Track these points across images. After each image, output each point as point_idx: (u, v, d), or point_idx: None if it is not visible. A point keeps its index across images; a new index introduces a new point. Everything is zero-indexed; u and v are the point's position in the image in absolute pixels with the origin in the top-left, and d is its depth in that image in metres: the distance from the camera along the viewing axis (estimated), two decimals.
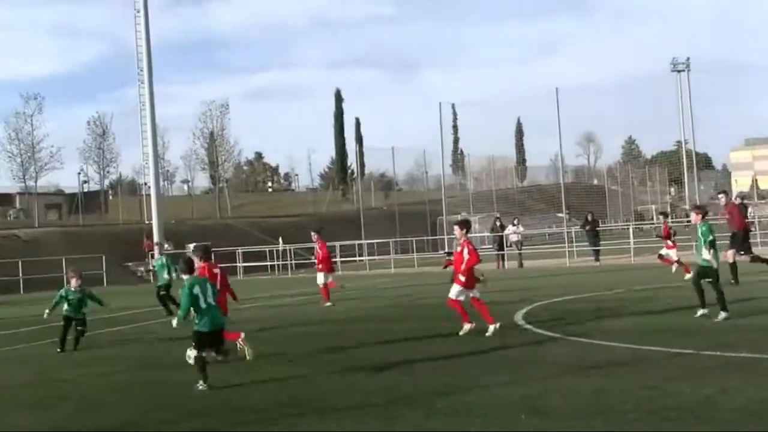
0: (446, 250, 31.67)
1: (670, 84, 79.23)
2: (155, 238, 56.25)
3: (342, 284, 25.69)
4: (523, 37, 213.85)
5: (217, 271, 15.94)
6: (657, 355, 12.35)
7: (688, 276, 26.97)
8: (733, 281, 21.28)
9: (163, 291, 24.28)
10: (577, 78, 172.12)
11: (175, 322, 12.52)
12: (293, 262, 50.54)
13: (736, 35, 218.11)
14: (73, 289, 17.33)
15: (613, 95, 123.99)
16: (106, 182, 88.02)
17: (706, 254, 15.67)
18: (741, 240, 23.70)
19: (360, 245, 54.02)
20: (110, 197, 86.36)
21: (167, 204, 67.64)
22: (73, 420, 10.23)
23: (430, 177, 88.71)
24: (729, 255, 22.62)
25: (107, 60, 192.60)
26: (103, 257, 51.18)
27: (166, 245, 56.51)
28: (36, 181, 76.66)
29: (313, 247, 27.29)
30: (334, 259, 48.98)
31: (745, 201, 26.73)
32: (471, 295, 16.11)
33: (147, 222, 59.62)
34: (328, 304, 24.35)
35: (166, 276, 24.52)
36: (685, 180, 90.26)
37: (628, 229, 45.67)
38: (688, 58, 79.04)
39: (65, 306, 17.13)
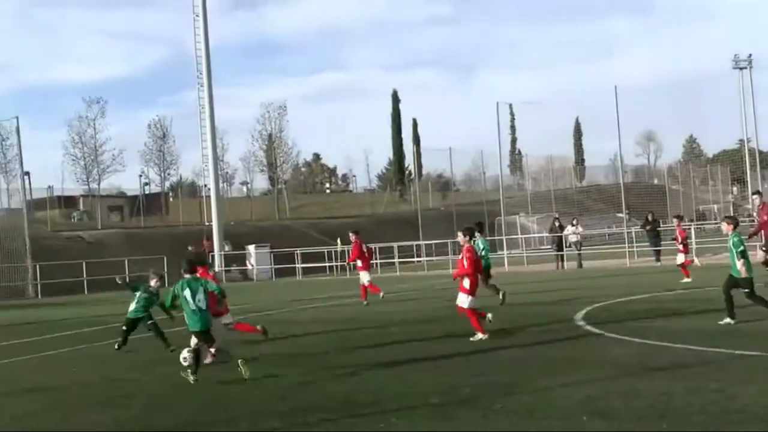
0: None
1: (732, 82, 78.00)
2: (215, 240, 56.91)
3: (383, 295, 25.93)
4: (581, 36, 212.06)
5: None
6: (721, 356, 12.15)
7: (686, 280, 26.96)
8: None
9: None
10: (637, 76, 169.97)
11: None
12: (351, 263, 50.61)
13: None
14: (151, 287, 17.24)
15: (673, 93, 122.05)
16: (167, 184, 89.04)
17: (738, 265, 15.40)
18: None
19: (418, 246, 53.97)
20: (171, 199, 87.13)
21: (227, 205, 68.20)
22: (137, 419, 10.31)
23: (488, 177, 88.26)
24: (759, 255, 22.44)
25: (167, 64, 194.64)
26: (164, 258, 51.72)
27: (226, 247, 57.37)
28: (99, 184, 77.77)
29: (369, 248, 27.69)
30: (392, 260, 49.48)
31: None
32: (459, 303, 15.97)
33: (207, 223, 60.23)
34: (365, 302, 25.44)
35: None
36: (748, 179, 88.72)
37: (689, 229, 45.07)
38: (750, 55, 77.69)
39: (134, 305, 17.04)
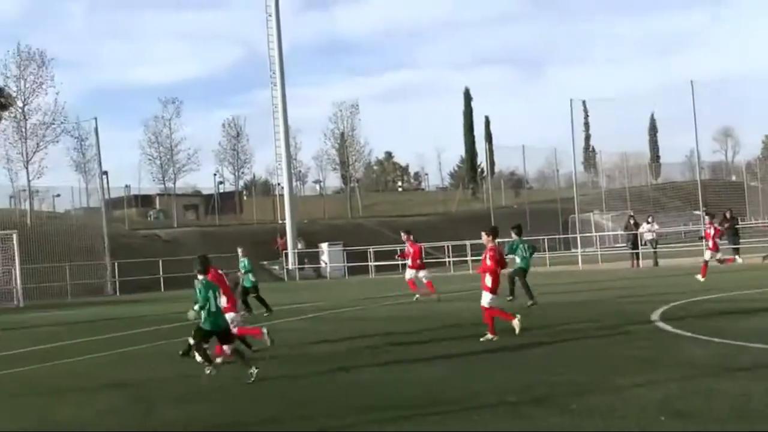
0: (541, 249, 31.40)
1: None
2: (288, 238, 57.38)
3: (439, 297, 26.11)
4: (656, 30, 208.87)
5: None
6: None
7: (700, 278, 26.95)
8: None
9: (253, 293, 24.82)
10: (713, 71, 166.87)
11: (191, 314, 13.00)
12: (424, 261, 50.57)
13: None
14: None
15: (751, 88, 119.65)
16: (241, 183, 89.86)
17: None
18: None
19: None
20: (245, 197, 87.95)
21: (300, 204, 68.65)
22: (214, 415, 10.45)
23: (561, 175, 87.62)
24: None
25: (240, 64, 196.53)
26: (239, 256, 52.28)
27: (299, 244, 57.80)
28: (174, 183, 78.83)
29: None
30: (464, 258, 49.34)
31: None
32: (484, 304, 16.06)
33: (280, 221, 60.70)
34: (417, 296, 26.58)
35: (252, 278, 25.19)
36: None
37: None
38: None
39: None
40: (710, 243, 28.15)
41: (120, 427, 10.00)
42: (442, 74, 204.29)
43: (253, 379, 12.24)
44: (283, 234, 58.32)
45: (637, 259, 40.85)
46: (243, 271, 25.76)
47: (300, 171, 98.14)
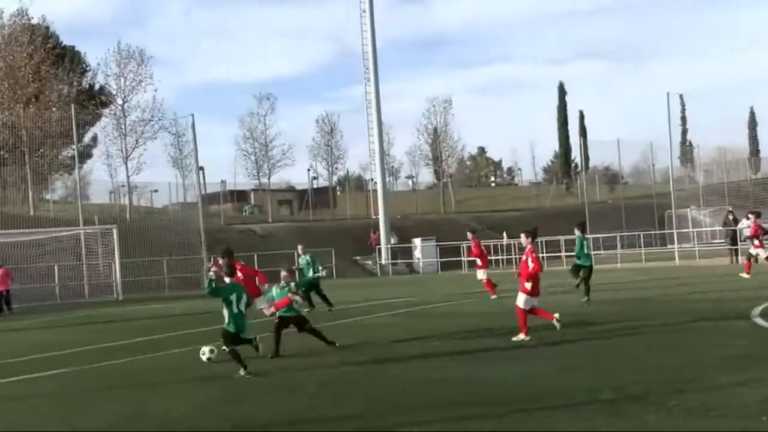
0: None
1: None
2: (382, 233, 57.58)
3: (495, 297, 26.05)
4: (755, 22, 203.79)
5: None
6: None
7: (745, 275, 27.31)
8: None
9: (312, 289, 24.95)
10: None
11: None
12: (517, 256, 50.21)
13: None
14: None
15: None
16: (334, 178, 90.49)
17: None
18: None
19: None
20: (338, 193, 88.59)
21: (393, 199, 68.78)
22: (307, 409, 10.50)
23: (657, 170, 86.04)
24: None
25: (334, 60, 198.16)
26: (333, 251, 52.70)
27: (392, 239, 57.95)
28: (269, 178, 79.88)
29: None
30: (558, 254, 48.86)
31: None
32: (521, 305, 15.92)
33: (374, 217, 60.98)
34: (494, 297, 25.98)
35: (310, 274, 25.33)
36: None
37: None
38: None
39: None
40: (756, 241, 28.70)
41: (212, 419, 10.12)
42: (536, 68, 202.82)
43: (249, 375, 12.84)
44: (376, 229, 58.53)
45: (736, 255, 39.91)
46: (304, 268, 26.02)
47: (393, 166, 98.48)
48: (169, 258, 47.10)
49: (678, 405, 9.22)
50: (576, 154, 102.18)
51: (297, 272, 23.22)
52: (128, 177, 60.31)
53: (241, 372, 12.98)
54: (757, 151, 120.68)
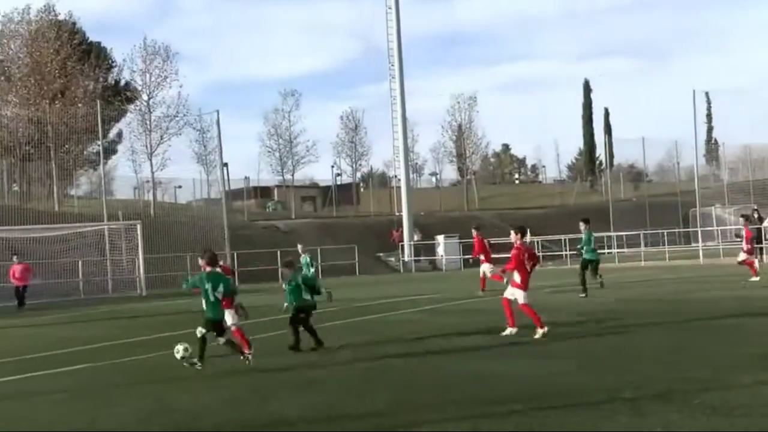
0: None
1: None
2: (405, 229, 57.55)
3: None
4: None
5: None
6: None
7: (755, 279, 27.11)
8: None
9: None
10: None
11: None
12: (541, 254, 50.06)
13: None
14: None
15: None
16: (358, 175, 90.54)
17: None
18: None
19: (609, 237, 52.97)
20: (362, 189, 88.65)
21: (416, 196, 68.75)
22: (332, 404, 10.49)
23: (682, 168, 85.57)
24: None
25: (359, 56, 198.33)
26: (356, 248, 52.77)
27: (416, 236, 57.92)
28: (293, 175, 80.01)
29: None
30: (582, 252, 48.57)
31: None
32: (506, 295, 16.09)
33: (397, 213, 60.95)
34: (482, 293, 27.02)
35: (310, 273, 25.59)
36: None
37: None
38: None
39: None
40: (746, 245, 28.64)
41: (236, 415, 10.13)
42: (561, 65, 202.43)
43: (187, 363, 13.18)
44: (399, 226, 58.52)
45: (761, 253, 39.63)
46: (303, 267, 26.19)
47: (417, 163, 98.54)
48: (193, 254, 47.23)
49: (701, 404, 9.15)
50: (600, 152, 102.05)
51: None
52: (153, 173, 60.60)
53: (197, 364, 13.38)
54: None
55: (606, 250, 51.82)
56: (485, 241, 29.19)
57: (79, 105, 56.37)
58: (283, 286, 16.06)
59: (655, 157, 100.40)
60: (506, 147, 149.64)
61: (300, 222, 63.48)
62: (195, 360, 13.44)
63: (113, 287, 43.73)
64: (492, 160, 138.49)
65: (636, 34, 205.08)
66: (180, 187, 71.31)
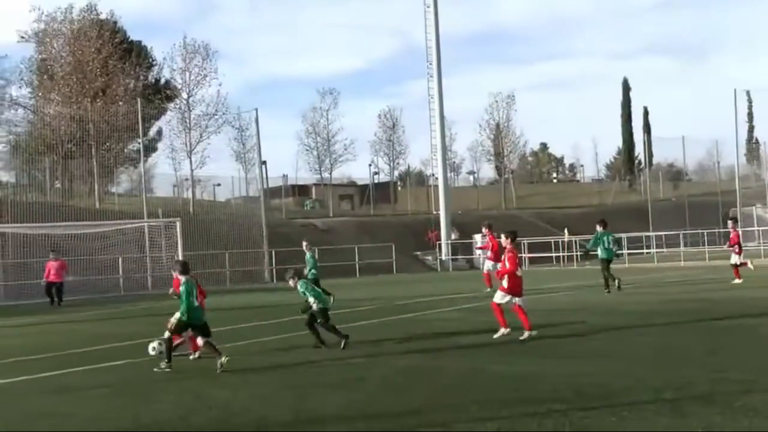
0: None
1: None
2: (442, 228, 57.50)
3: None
4: None
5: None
6: None
7: (736, 281, 27.91)
8: None
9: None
10: None
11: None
12: (578, 253, 49.81)
13: None
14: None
15: None
16: (396, 173, 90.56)
17: None
18: None
19: (647, 237, 52.64)
20: (399, 188, 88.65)
21: (454, 194, 68.67)
22: (369, 402, 10.50)
23: (723, 167, 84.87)
24: None
25: (396, 55, 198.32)
26: (393, 246, 52.80)
27: (453, 235, 57.84)
28: (331, 173, 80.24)
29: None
30: (620, 252, 48.37)
31: None
32: (514, 301, 16.02)
33: (435, 212, 60.92)
34: (488, 289, 26.73)
35: (314, 273, 25.94)
36: None
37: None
38: None
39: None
40: (735, 248, 29.19)
41: (274, 412, 10.18)
42: (599, 63, 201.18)
43: (222, 368, 13.06)
44: (434, 227, 58.46)
45: None
46: (307, 266, 26.44)
47: (454, 162, 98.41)
48: (231, 251, 47.54)
49: (743, 406, 9.07)
50: (639, 151, 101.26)
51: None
52: (192, 170, 60.98)
53: (164, 365, 13.66)
54: None
55: (645, 250, 51.57)
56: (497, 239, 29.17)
57: (120, 103, 56.90)
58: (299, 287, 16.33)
59: (695, 156, 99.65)
60: (544, 146, 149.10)
61: (337, 220, 63.61)
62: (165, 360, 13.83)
63: (153, 284, 44.06)
64: (530, 158, 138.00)
65: (676, 31, 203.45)
66: (219, 184, 71.71)
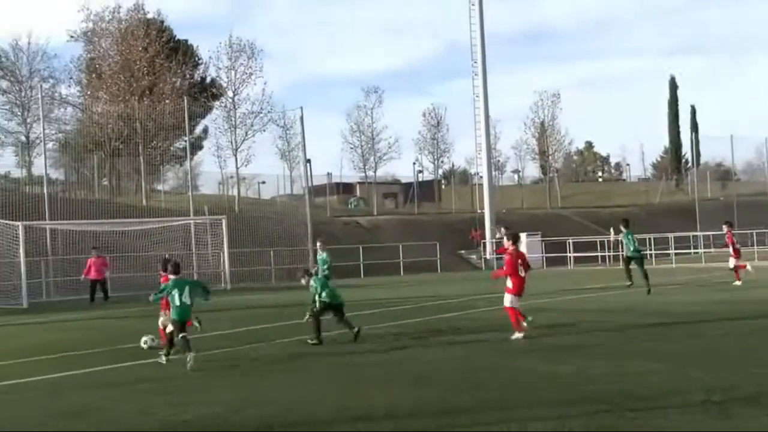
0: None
1: None
2: (486, 227, 57.37)
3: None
4: None
5: None
6: None
7: (737, 282, 28.27)
8: None
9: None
10: None
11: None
12: (622, 253, 49.37)
13: None
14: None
15: None
16: (440, 172, 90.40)
17: None
18: None
19: (695, 237, 52.12)
20: (443, 186, 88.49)
21: (498, 193, 68.50)
22: (415, 401, 10.50)
23: None
24: None
25: (441, 53, 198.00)
26: (437, 245, 52.75)
27: (498, 233, 57.68)
28: (375, 171, 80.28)
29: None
30: (667, 252, 47.98)
31: None
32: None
33: (479, 211, 60.77)
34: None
35: (327, 272, 25.77)
36: None
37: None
38: None
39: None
40: (732, 251, 29.97)
41: (325, 408, 10.22)
42: (646, 62, 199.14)
43: (191, 364, 13.35)
44: (478, 227, 58.33)
45: None
46: (321, 265, 26.27)
47: (499, 160, 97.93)
48: (276, 249, 47.76)
49: None
50: (687, 150, 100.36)
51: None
52: (237, 168, 61.39)
53: (163, 358, 14.37)
54: None
55: (692, 250, 51.06)
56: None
57: (167, 101, 57.39)
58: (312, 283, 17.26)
59: (744, 155, 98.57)
60: (589, 144, 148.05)
61: (382, 218, 63.70)
62: (162, 353, 14.51)
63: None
64: (575, 157, 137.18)
65: (724, 29, 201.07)
66: (264, 182, 72.12)
